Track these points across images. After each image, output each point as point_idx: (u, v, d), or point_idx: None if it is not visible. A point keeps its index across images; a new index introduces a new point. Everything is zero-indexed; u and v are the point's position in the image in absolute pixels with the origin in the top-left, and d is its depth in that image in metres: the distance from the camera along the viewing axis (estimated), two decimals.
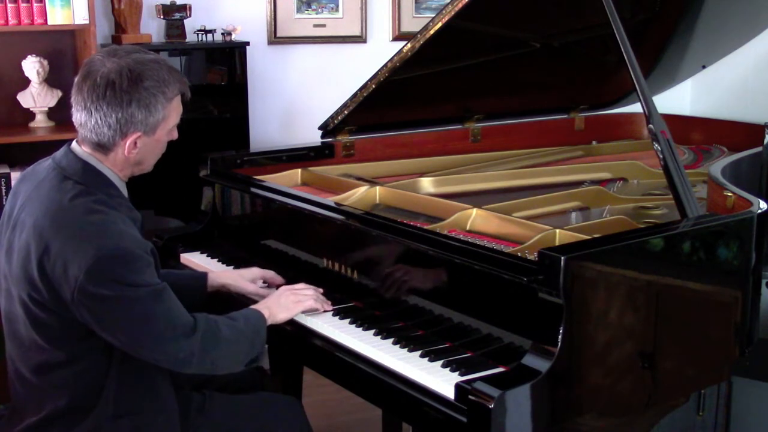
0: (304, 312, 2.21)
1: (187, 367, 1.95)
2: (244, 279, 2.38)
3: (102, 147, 1.97)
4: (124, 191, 2.04)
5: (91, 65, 1.95)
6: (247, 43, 3.75)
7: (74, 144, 2.02)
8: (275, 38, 4.01)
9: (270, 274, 2.42)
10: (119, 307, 1.85)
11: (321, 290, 2.26)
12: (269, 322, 2.13)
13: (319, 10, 4.07)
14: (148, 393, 2.01)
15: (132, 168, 2.03)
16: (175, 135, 2.08)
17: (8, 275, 2.00)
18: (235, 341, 2.02)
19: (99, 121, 1.92)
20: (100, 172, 1.98)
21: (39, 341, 1.94)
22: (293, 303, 2.18)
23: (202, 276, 2.40)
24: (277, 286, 2.35)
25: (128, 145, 1.96)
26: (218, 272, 2.45)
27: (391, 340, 2.02)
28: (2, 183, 3.32)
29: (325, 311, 2.21)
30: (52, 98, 3.47)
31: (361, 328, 2.11)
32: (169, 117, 2.00)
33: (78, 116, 1.96)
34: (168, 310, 1.91)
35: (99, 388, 1.95)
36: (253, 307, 2.17)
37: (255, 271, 2.41)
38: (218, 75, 3.76)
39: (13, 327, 2.01)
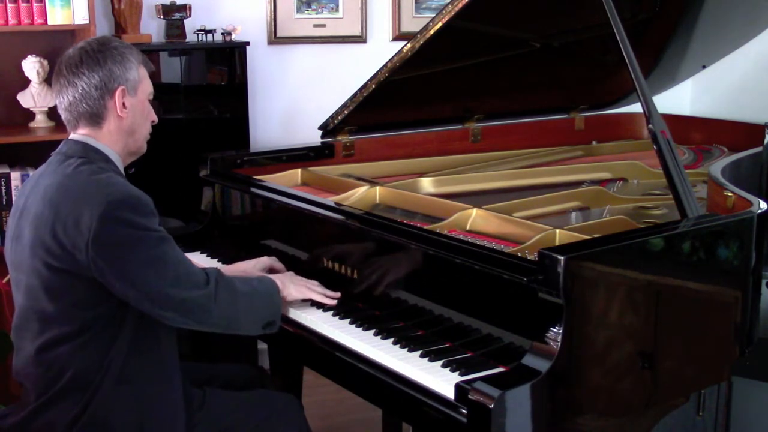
0: (303, 311, 2.22)
1: (208, 315, 2.00)
2: (257, 270, 2.41)
3: (96, 117, 2.06)
4: (122, 171, 2.11)
5: (62, 56, 2.12)
6: (247, 43, 3.75)
7: (71, 135, 2.11)
8: (275, 38, 4.00)
9: (280, 265, 2.45)
10: (133, 251, 1.92)
11: (337, 295, 2.28)
12: (282, 293, 2.20)
13: (319, 10, 4.07)
14: (154, 366, 2.05)
15: (126, 139, 2.10)
16: (155, 116, 2.18)
17: (17, 262, 2.05)
18: (251, 296, 2.10)
19: (85, 86, 2.04)
20: (99, 149, 2.06)
21: (50, 313, 1.97)
22: (305, 287, 2.25)
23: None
24: None
25: (118, 104, 2.05)
26: (229, 266, 2.47)
27: (391, 340, 2.03)
28: (2, 183, 3.32)
29: (325, 311, 2.22)
30: (52, 98, 3.46)
31: (361, 328, 2.11)
32: (143, 80, 2.12)
33: (65, 99, 2.06)
34: (179, 257, 2.00)
35: (104, 359, 1.98)
36: (264, 275, 2.27)
37: (266, 261, 2.45)
38: (218, 75, 3.76)
39: (22, 315, 2.05)
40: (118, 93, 2.05)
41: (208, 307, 2.00)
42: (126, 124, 2.09)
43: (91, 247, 1.90)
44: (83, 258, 1.91)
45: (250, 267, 2.42)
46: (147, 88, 2.14)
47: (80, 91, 2.04)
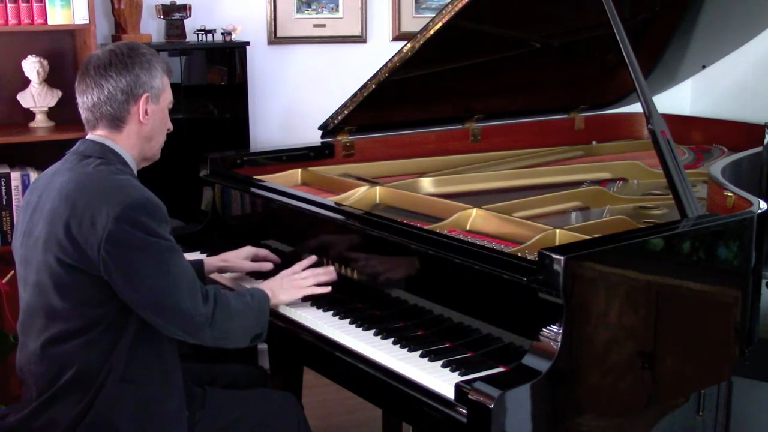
0: (302, 311, 2.22)
1: (202, 333, 2.01)
2: (239, 258, 2.47)
3: (117, 121, 2.08)
4: (136, 175, 2.13)
5: (89, 56, 2.13)
6: (247, 43, 3.75)
7: (89, 135, 2.13)
8: (275, 38, 4.01)
9: (264, 251, 2.49)
10: (142, 255, 1.93)
11: (330, 269, 2.30)
12: (272, 302, 2.21)
13: (319, 10, 4.07)
14: (156, 366, 2.05)
15: (143, 145, 2.13)
16: (170, 125, 2.21)
17: (27, 258, 2.05)
18: (243, 314, 2.10)
19: (111, 90, 2.06)
20: (116, 151, 2.09)
21: (57, 309, 1.98)
22: (295, 288, 2.26)
23: (199, 263, 2.45)
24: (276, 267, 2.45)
25: (141, 110, 2.08)
26: (212, 257, 2.51)
27: (391, 340, 2.03)
28: (2, 183, 3.32)
29: (325, 311, 2.22)
30: (52, 98, 3.46)
31: (361, 328, 2.11)
32: (166, 88, 2.15)
33: (89, 99, 2.08)
34: (185, 269, 2.01)
35: (108, 357, 1.99)
36: (255, 287, 2.27)
37: (248, 249, 2.49)
38: (218, 75, 3.76)
39: (28, 311, 2.06)
40: (142, 99, 2.08)
41: (203, 327, 2.01)
42: (145, 131, 2.11)
43: (104, 246, 1.91)
44: (94, 256, 1.92)
45: (233, 256, 2.47)
46: (168, 96, 2.17)
47: (106, 93, 2.06)
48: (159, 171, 2.28)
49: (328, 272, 2.29)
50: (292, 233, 2.54)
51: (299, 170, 2.94)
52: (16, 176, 3.33)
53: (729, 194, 2.21)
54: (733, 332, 2.11)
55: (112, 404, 1.98)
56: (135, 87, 2.07)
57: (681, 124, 3.60)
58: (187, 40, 3.68)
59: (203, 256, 2.61)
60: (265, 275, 2.45)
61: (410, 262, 2.12)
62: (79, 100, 2.11)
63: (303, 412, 2.32)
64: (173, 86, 2.18)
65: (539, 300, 1.78)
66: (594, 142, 3.62)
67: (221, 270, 2.48)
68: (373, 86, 2.83)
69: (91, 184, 1.99)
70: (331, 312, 2.21)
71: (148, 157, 2.17)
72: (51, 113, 3.50)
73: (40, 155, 3.31)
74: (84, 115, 2.11)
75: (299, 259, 2.47)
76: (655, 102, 2.22)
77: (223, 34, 3.71)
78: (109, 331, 1.98)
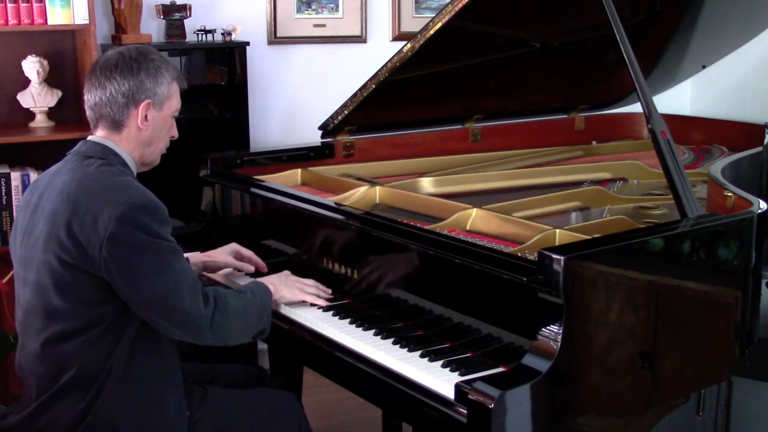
0: (302, 310, 2.22)
1: (203, 334, 2.02)
2: (223, 253, 2.50)
3: (116, 124, 2.09)
4: (135, 177, 2.14)
5: (101, 55, 2.16)
6: (247, 43, 3.75)
7: (90, 136, 2.14)
8: (275, 38, 4.01)
9: (248, 252, 2.50)
10: (143, 255, 1.94)
11: (329, 291, 2.31)
12: (274, 297, 2.22)
13: (319, 10, 4.07)
14: (156, 366, 2.06)
15: (143, 149, 2.13)
16: (175, 132, 2.20)
17: (27, 257, 2.05)
18: (244, 312, 2.11)
19: (113, 92, 2.07)
20: (117, 153, 2.10)
21: (57, 309, 1.98)
22: (297, 288, 2.27)
23: None
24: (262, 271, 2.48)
25: (140, 116, 2.08)
26: (197, 254, 2.53)
27: (391, 340, 2.03)
28: (2, 183, 3.32)
29: (325, 311, 2.22)
30: (52, 98, 3.46)
31: (361, 328, 2.11)
32: (173, 96, 2.15)
33: (93, 97, 2.10)
34: (187, 271, 2.02)
35: (108, 358, 1.99)
36: (258, 280, 2.28)
37: (233, 246, 2.52)
38: (218, 75, 3.76)
39: (28, 311, 2.06)
40: (143, 105, 2.08)
41: (204, 328, 2.02)
42: (144, 136, 2.12)
43: (105, 247, 1.92)
44: (96, 256, 1.93)
45: (218, 253, 2.49)
46: (174, 104, 2.16)
47: (108, 94, 2.07)
48: (159, 171, 2.29)
49: (326, 292, 2.31)
50: (292, 233, 2.54)
51: (299, 170, 2.94)
52: (16, 176, 3.33)
53: (729, 194, 2.21)
54: (733, 332, 2.11)
55: (112, 404, 1.98)
56: (137, 92, 2.07)
57: (681, 124, 3.60)
58: (187, 40, 3.68)
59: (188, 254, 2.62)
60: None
61: (410, 262, 2.12)
62: (84, 96, 2.13)
63: (303, 412, 2.32)
64: None
65: (539, 300, 1.78)
66: (594, 142, 3.62)
67: (206, 266, 2.50)
68: (373, 86, 2.83)
69: (92, 184, 2.00)
70: (331, 312, 2.21)
71: (147, 162, 2.17)
72: (51, 113, 3.50)
73: (40, 155, 3.31)
74: (87, 113, 2.13)
75: (300, 259, 2.47)
76: (655, 102, 2.22)
77: (223, 34, 3.71)
78: (109, 331, 1.99)
